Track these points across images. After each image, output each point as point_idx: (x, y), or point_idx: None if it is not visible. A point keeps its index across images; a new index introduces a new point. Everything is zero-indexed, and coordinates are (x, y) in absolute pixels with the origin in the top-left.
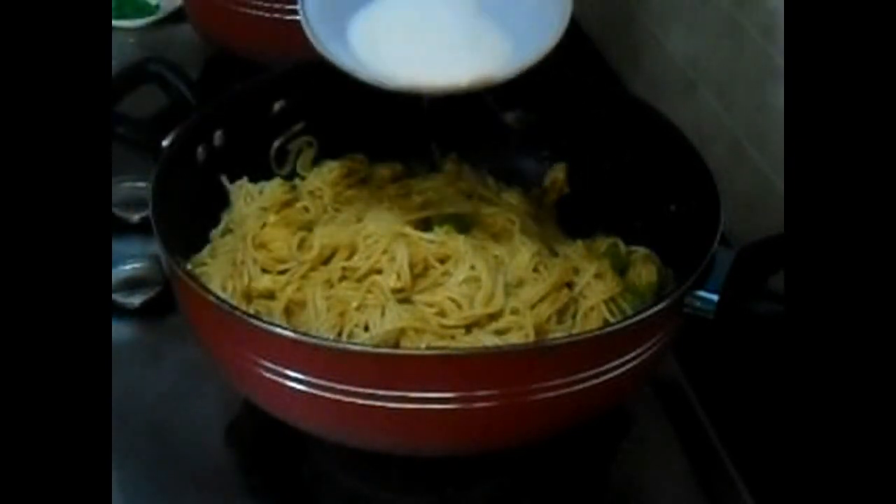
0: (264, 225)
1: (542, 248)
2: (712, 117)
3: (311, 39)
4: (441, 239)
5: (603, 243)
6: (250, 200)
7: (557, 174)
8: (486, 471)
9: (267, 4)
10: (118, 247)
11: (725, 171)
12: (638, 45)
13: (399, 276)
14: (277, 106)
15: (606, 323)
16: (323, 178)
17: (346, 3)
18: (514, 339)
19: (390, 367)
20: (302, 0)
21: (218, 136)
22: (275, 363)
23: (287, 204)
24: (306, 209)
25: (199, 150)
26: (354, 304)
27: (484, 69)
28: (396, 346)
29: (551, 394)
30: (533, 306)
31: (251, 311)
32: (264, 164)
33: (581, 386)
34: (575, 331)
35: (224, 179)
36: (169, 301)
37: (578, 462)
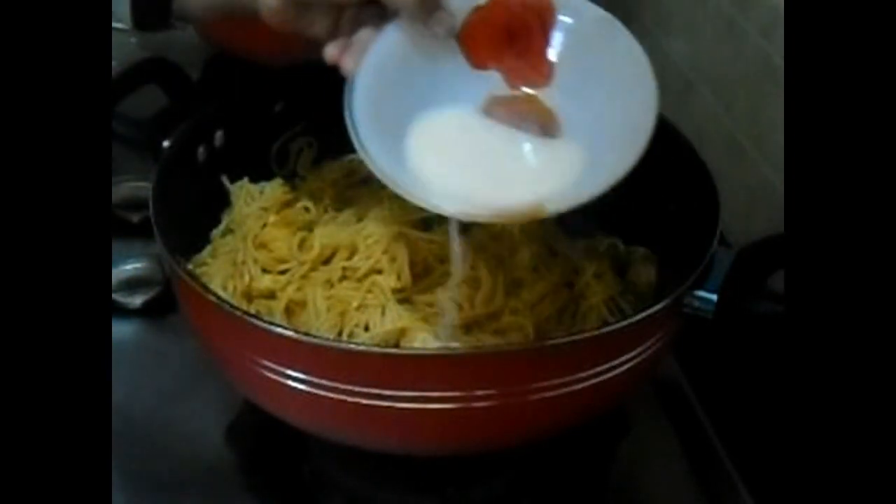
0: (265, 225)
1: (542, 248)
2: (711, 117)
3: (360, 152)
4: (441, 239)
5: (603, 243)
6: (251, 200)
7: None
8: (486, 471)
9: None
10: (118, 247)
11: (725, 171)
12: None
13: (399, 276)
14: (277, 106)
15: (606, 323)
16: (323, 178)
17: (410, 103)
18: (514, 339)
19: (390, 367)
20: (351, 87)
21: (218, 136)
22: (275, 363)
23: (287, 204)
24: (307, 209)
25: (200, 150)
26: (355, 304)
27: (542, 196)
28: (396, 346)
29: (551, 394)
30: (533, 306)
31: (251, 311)
32: (264, 164)
33: (581, 386)
34: (575, 331)
35: (224, 179)
36: (169, 301)
37: (578, 462)
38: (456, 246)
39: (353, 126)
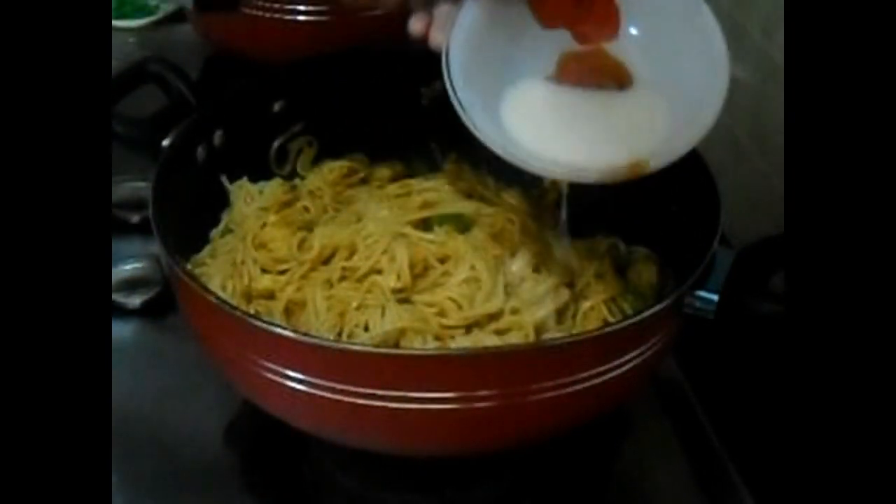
0: (264, 225)
1: (542, 248)
2: None
3: (458, 110)
4: (441, 239)
5: (603, 243)
6: (250, 200)
7: None
8: (486, 471)
9: (267, 4)
10: (118, 247)
11: (725, 171)
12: None
13: (399, 276)
14: (277, 106)
15: (606, 323)
16: (323, 178)
17: (496, 74)
18: (514, 339)
19: (390, 367)
20: (448, 68)
21: (218, 136)
22: (275, 363)
23: (287, 204)
24: (306, 209)
25: (199, 150)
26: (354, 304)
27: (640, 153)
28: (396, 346)
29: (551, 394)
30: (533, 306)
31: (251, 311)
32: (264, 164)
33: (581, 386)
34: (575, 331)
35: (224, 179)
36: (169, 301)
37: (579, 462)
38: (563, 214)
39: (460, 103)
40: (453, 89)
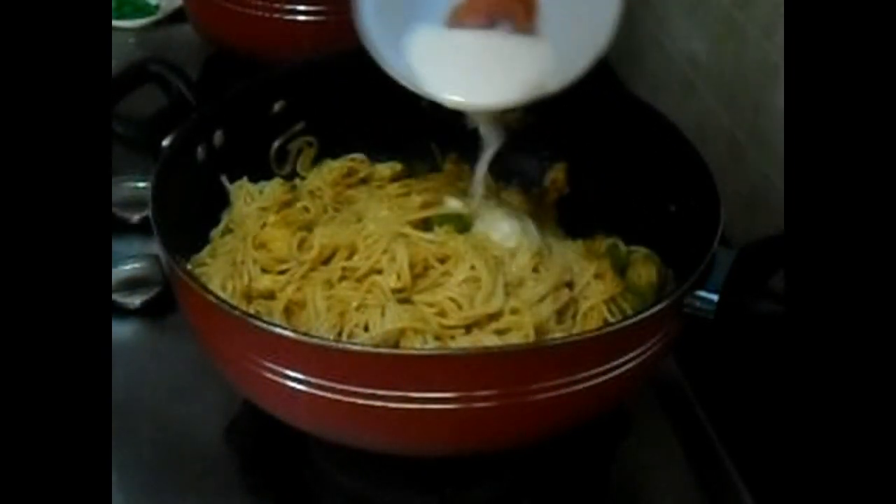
0: (264, 225)
1: (542, 248)
2: (712, 117)
3: (367, 45)
4: (441, 239)
5: (603, 243)
6: (250, 200)
7: (557, 174)
8: (486, 471)
9: (267, 4)
10: (118, 247)
11: (725, 171)
12: (638, 45)
13: (399, 276)
14: (277, 106)
15: (606, 323)
16: (323, 178)
17: (405, 12)
18: (514, 339)
19: (390, 367)
20: (359, 3)
21: (218, 136)
22: (275, 363)
23: (287, 204)
24: (306, 209)
25: (199, 150)
26: (354, 304)
27: (533, 82)
28: (396, 346)
29: (551, 394)
30: (533, 306)
31: (251, 311)
32: (264, 164)
33: (581, 386)
34: (575, 331)
35: (224, 179)
36: (169, 301)
37: (578, 462)
38: (480, 171)
39: (366, 32)
40: (362, 23)
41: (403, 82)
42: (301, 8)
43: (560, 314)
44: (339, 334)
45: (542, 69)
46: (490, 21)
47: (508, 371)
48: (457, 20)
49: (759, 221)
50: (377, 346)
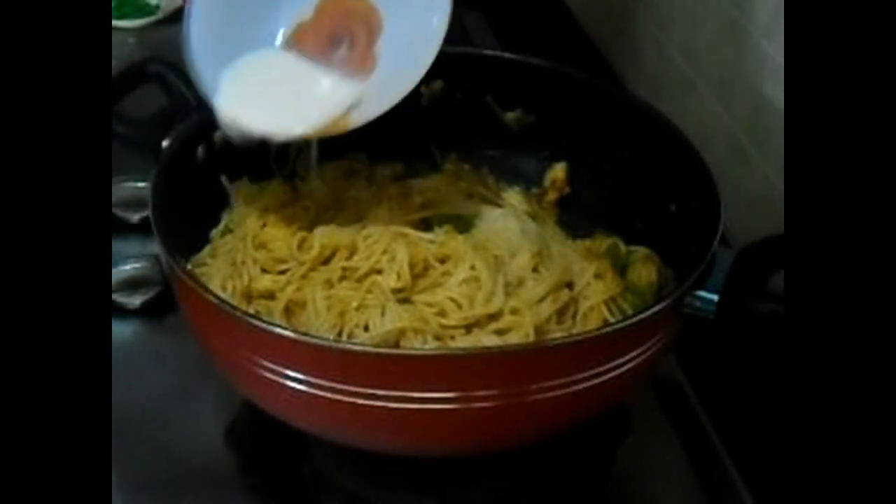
0: (264, 225)
1: (542, 248)
2: (712, 117)
3: (196, 81)
4: (441, 239)
5: (603, 243)
6: (250, 200)
7: (557, 174)
8: (486, 471)
9: None
10: (118, 247)
11: (725, 171)
12: (638, 45)
13: (399, 276)
14: None
15: (606, 323)
16: (323, 178)
17: (229, 48)
18: (514, 339)
19: (390, 367)
20: (187, 41)
21: (218, 136)
22: (275, 363)
23: (287, 204)
24: (306, 209)
25: (199, 150)
26: (354, 304)
27: (330, 117)
28: (396, 346)
29: (551, 394)
30: (533, 306)
31: (251, 311)
32: (264, 164)
33: (581, 386)
34: (575, 331)
35: (224, 179)
36: (169, 301)
37: (578, 462)
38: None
39: (190, 50)
40: (186, 37)
41: (203, 92)
42: None
43: (560, 314)
44: (339, 334)
45: (346, 105)
46: (332, 42)
47: (508, 371)
48: (296, 40)
49: (759, 221)
50: (377, 346)
